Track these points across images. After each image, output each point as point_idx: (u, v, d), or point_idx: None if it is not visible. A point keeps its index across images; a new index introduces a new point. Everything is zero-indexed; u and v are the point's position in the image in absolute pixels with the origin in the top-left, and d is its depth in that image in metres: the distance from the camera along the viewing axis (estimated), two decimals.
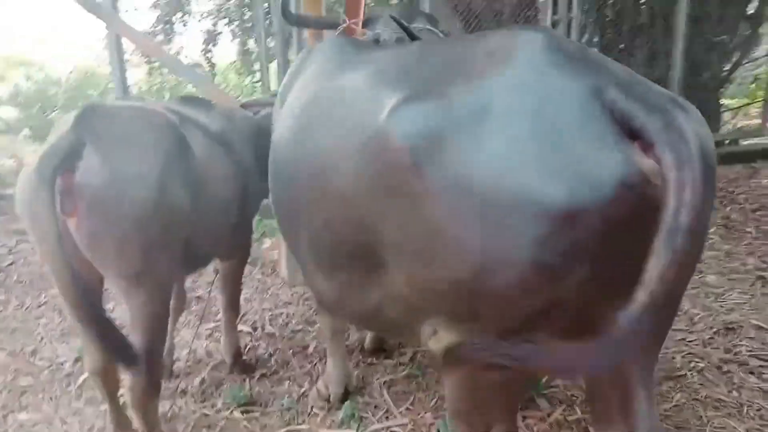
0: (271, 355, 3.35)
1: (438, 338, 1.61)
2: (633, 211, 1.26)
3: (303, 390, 2.97)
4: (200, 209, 2.28)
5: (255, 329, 3.71)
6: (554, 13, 6.18)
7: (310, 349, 3.37)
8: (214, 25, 10.39)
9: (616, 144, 1.25)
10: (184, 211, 2.15)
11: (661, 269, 1.19)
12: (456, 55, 1.55)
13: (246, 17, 10.10)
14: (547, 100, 1.30)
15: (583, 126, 1.27)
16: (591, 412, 1.77)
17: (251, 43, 10.43)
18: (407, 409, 2.77)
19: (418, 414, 2.71)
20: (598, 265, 1.32)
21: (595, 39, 7.16)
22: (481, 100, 1.35)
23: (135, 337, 2.11)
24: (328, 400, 2.80)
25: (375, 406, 2.80)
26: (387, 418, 2.71)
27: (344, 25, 2.82)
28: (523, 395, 1.78)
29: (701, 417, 2.54)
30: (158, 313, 2.17)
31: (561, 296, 1.36)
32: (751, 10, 7.30)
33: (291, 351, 3.37)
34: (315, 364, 3.22)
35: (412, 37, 2.70)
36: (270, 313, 3.90)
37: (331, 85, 1.87)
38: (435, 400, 2.82)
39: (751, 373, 2.83)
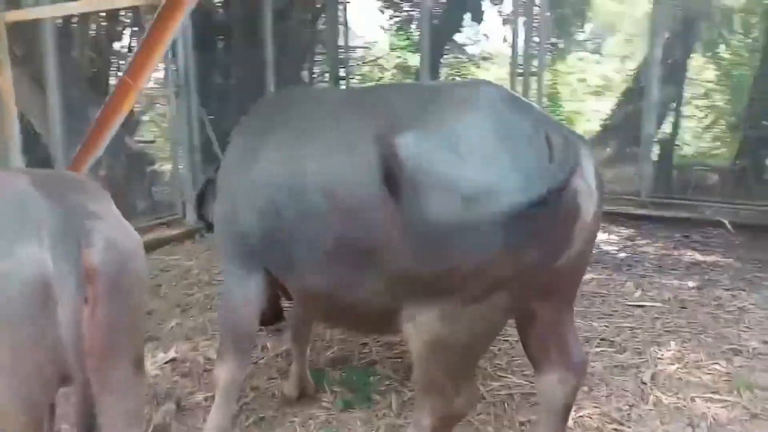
0: None
1: (417, 317, 2.10)
2: (565, 211, 1.99)
3: None
4: None
5: None
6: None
7: None
8: None
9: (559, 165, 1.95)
10: None
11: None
12: (430, 100, 2.13)
13: None
14: (507, 133, 1.97)
15: (533, 152, 1.95)
16: (531, 358, 2.41)
17: None
18: None
19: None
20: (544, 246, 2.01)
21: None
22: (463, 133, 1.97)
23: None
24: None
25: None
26: None
27: None
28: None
29: None
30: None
31: (520, 268, 1.99)
32: None
33: None
34: None
35: None
36: None
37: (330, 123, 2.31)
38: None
39: None
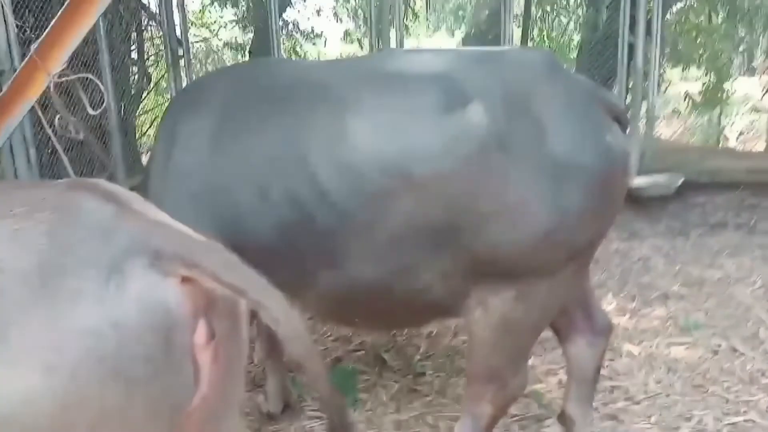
0: None
1: (489, 300, 1.97)
2: (625, 173, 2.08)
3: None
4: None
5: None
6: None
7: None
8: None
9: (617, 129, 2.01)
10: None
11: None
12: (486, 67, 1.99)
13: None
14: (576, 99, 1.94)
15: (602, 117, 1.97)
16: (558, 332, 2.38)
17: None
18: None
19: None
20: (616, 207, 2.06)
21: None
22: (539, 103, 1.88)
23: None
24: None
25: None
26: None
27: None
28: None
29: None
30: None
31: (598, 233, 2.03)
32: None
33: None
34: None
35: None
36: None
37: (372, 100, 1.98)
38: None
39: None
